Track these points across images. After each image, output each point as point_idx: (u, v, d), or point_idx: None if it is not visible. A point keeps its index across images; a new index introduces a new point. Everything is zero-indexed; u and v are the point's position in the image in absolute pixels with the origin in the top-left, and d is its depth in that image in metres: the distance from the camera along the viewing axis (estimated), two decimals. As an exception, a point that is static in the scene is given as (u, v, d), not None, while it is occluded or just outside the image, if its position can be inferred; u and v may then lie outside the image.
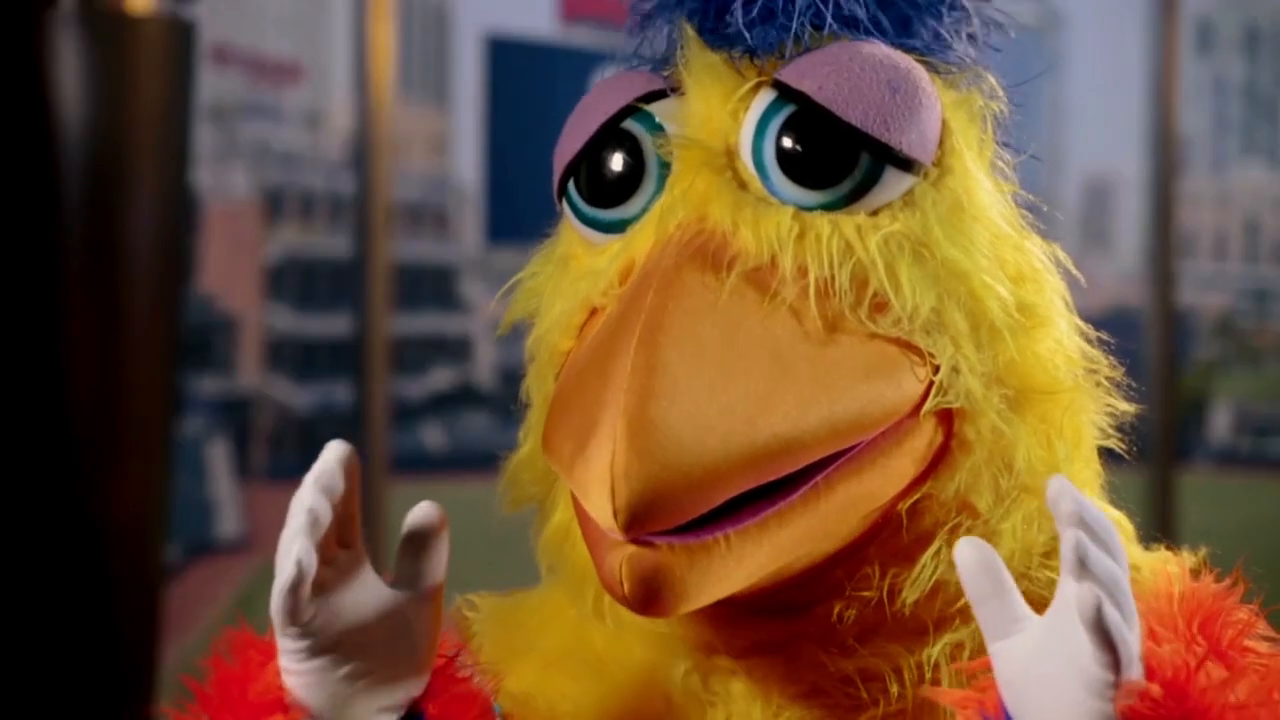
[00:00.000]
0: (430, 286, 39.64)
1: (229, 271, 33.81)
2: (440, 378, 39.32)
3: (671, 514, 0.83)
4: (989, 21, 1.03)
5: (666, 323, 0.87)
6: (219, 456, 25.59)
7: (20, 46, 2.86)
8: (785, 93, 0.93)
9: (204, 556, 20.79)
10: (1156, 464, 5.77)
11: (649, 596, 0.85)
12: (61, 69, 2.86)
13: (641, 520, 0.83)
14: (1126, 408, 1.01)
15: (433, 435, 34.05)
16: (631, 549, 0.84)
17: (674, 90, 0.99)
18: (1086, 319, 1.02)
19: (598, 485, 0.83)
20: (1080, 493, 0.80)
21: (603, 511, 0.83)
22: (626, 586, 0.85)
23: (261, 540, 23.14)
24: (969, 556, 0.82)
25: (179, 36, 3.07)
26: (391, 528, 5.85)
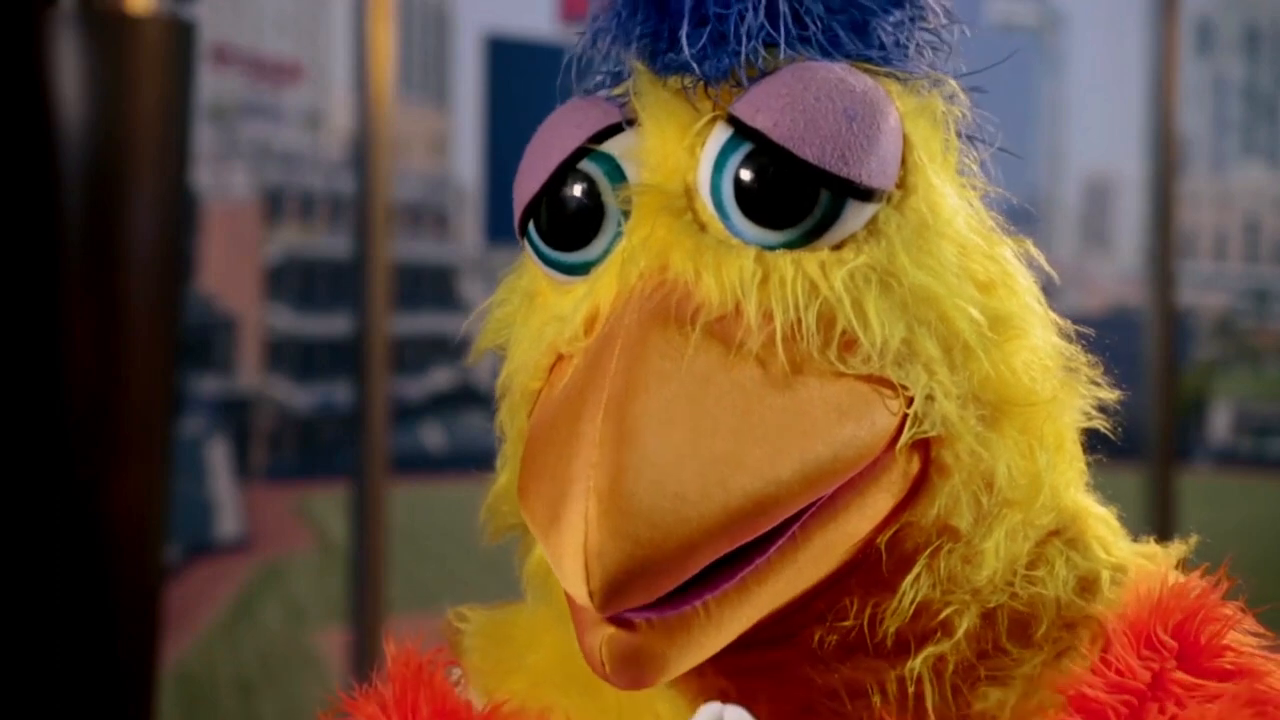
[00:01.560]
0: (430, 286, 39.65)
1: (229, 271, 33.82)
2: (440, 378, 39.34)
3: (648, 590, 0.82)
4: (950, 16, 1.00)
5: (631, 389, 0.85)
6: (219, 456, 25.60)
7: (20, 46, 2.87)
8: (741, 129, 0.91)
9: (203, 556, 20.81)
10: (1156, 464, 5.77)
11: (630, 675, 0.85)
12: (61, 69, 2.87)
13: (617, 599, 0.82)
14: (1109, 396, 0.99)
15: (432, 435, 34.08)
16: (610, 631, 0.84)
17: (629, 122, 0.97)
18: (1086, 319, 1.01)
19: (571, 564, 0.82)
20: None
21: (578, 591, 0.82)
22: (608, 667, 0.84)
23: (261, 540, 23.14)
24: None
25: (179, 36, 3.07)
26: (391, 528, 5.84)
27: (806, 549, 0.88)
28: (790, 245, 0.91)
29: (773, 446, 0.85)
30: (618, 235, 0.95)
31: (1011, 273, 0.97)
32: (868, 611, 0.91)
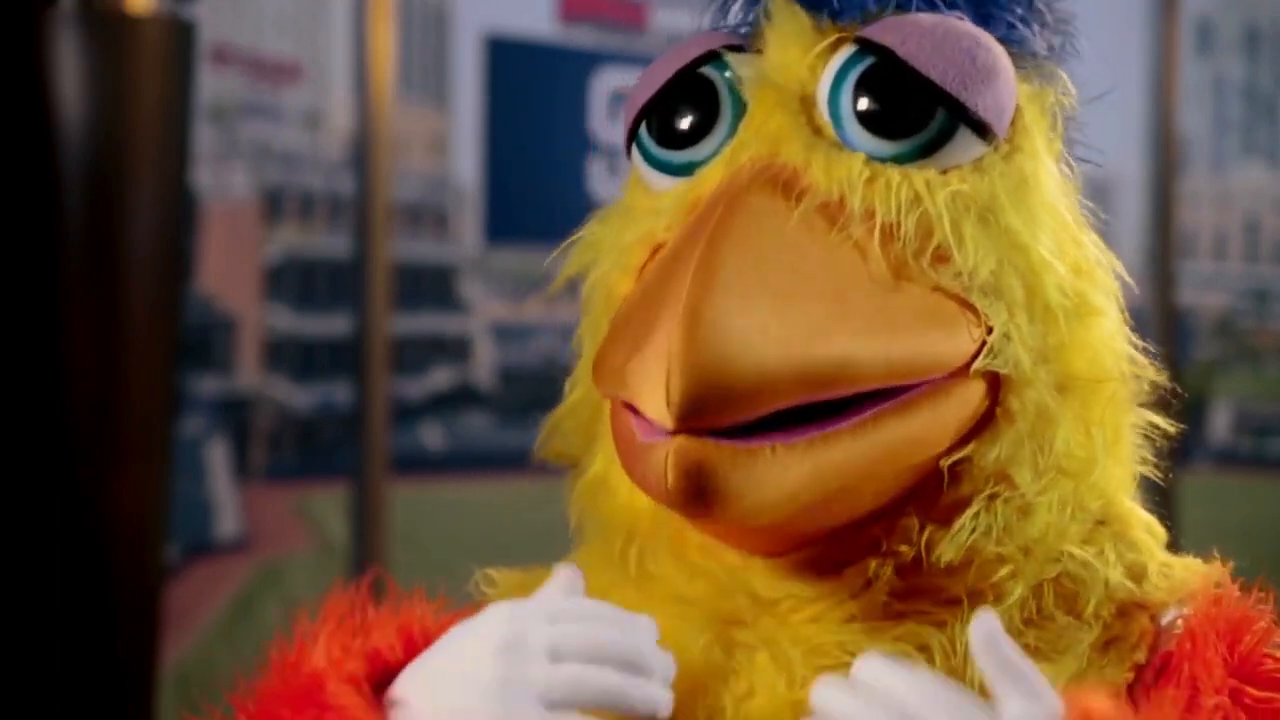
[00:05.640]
0: (430, 286, 39.68)
1: (229, 271, 33.84)
2: (440, 378, 39.37)
3: (724, 410, 0.84)
4: (1064, 19, 1.04)
5: (734, 236, 0.88)
6: (218, 456, 25.61)
7: (20, 46, 2.87)
8: (866, 46, 0.95)
9: (203, 556, 20.81)
10: (1156, 464, 5.75)
11: (693, 491, 0.85)
12: (61, 69, 2.87)
13: (694, 411, 0.83)
14: (1169, 428, 1.01)
15: (432, 435, 34.07)
16: (680, 440, 0.85)
17: (754, 49, 1.00)
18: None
19: (653, 376, 0.84)
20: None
21: (656, 401, 0.84)
22: (671, 478, 0.85)
23: (260, 540, 23.14)
24: (980, 634, 0.82)
25: (179, 36, 3.07)
26: (391, 528, 5.83)
27: (877, 433, 0.89)
28: (899, 159, 0.94)
29: (860, 326, 0.87)
30: (728, 138, 0.98)
31: (1096, 265, 1.00)
32: (924, 537, 0.92)
